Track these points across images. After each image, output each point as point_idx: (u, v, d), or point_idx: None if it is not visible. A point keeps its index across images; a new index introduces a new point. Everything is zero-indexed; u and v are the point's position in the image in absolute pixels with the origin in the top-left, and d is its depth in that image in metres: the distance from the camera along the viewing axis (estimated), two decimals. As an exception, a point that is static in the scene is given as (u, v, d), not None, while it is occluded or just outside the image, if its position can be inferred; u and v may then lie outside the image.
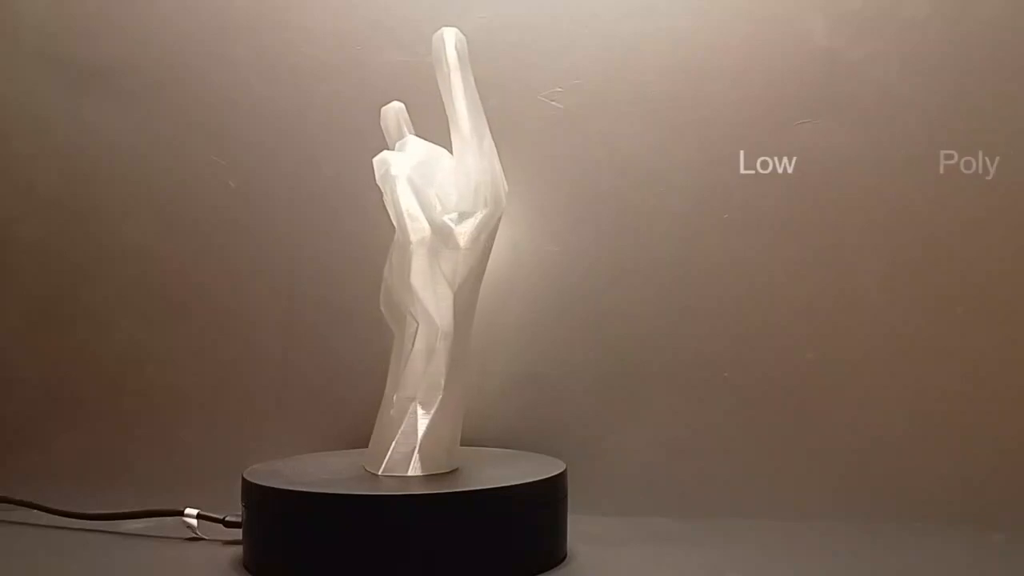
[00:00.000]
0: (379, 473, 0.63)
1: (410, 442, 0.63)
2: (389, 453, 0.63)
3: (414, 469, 0.63)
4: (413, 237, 0.63)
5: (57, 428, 0.81)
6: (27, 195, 0.83)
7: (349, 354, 0.78)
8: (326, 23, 0.78)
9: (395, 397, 0.64)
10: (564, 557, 0.63)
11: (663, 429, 0.75)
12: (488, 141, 0.64)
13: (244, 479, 0.62)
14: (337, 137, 0.78)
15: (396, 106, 0.69)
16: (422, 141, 0.66)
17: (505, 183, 0.64)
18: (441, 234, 0.62)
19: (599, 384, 0.76)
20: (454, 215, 0.63)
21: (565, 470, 0.64)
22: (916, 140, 0.73)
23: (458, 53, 0.64)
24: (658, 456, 0.75)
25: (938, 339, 0.73)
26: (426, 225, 0.62)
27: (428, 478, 0.62)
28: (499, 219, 0.64)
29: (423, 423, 0.63)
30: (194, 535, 0.69)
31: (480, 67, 0.75)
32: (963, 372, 0.72)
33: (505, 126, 0.73)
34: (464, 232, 0.63)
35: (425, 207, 0.62)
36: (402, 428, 0.63)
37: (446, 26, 0.64)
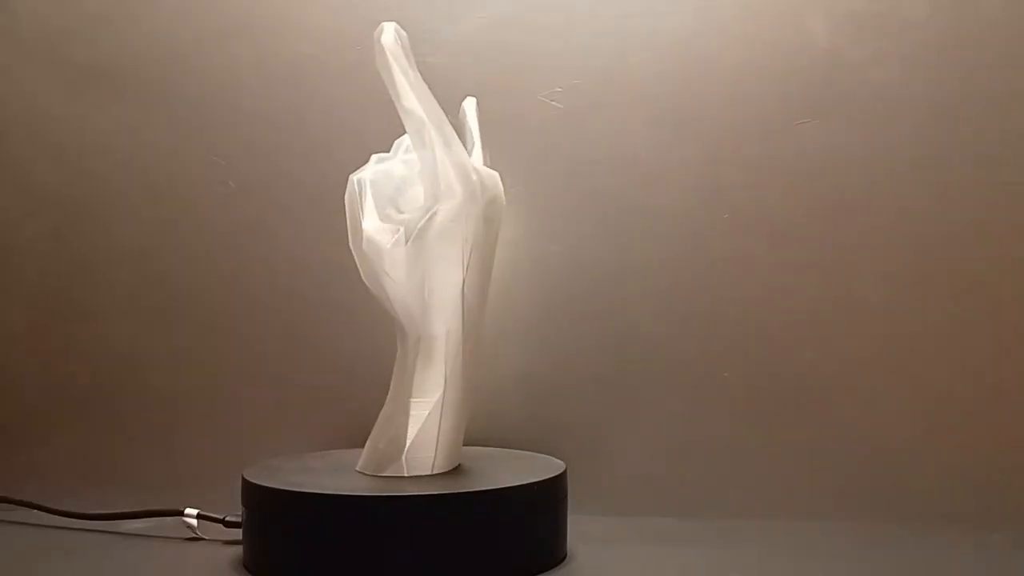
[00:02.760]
0: (374, 473, 0.63)
1: (403, 442, 0.63)
2: (382, 452, 0.63)
3: (411, 469, 0.63)
4: (352, 239, 0.63)
5: (57, 428, 0.81)
6: (27, 195, 0.83)
7: (349, 354, 0.78)
8: (326, 23, 0.78)
9: (390, 397, 0.65)
10: (564, 557, 0.63)
11: (663, 429, 0.75)
12: (432, 134, 0.61)
13: (244, 479, 0.62)
14: (337, 137, 0.78)
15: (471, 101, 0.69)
16: None
17: (467, 175, 0.62)
18: (379, 233, 0.62)
19: (599, 384, 0.76)
20: (407, 215, 0.62)
21: (565, 470, 0.64)
22: (916, 140, 0.73)
23: (390, 51, 0.62)
24: (658, 456, 0.75)
25: (938, 339, 0.73)
26: (359, 224, 0.62)
27: (428, 478, 0.62)
28: (453, 214, 0.61)
29: (414, 424, 0.63)
30: (194, 535, 0.69)
31: (480, 67, 0.76)
32: (963, 372, 0.72)
33: (505, 126, 0.73)
34: (401, 229, 0.62)
35: (379, 206, 0.63)
36: (391, 428, 0.64)
37: (386, 21, 0.63)
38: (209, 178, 0.80)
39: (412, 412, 0.63)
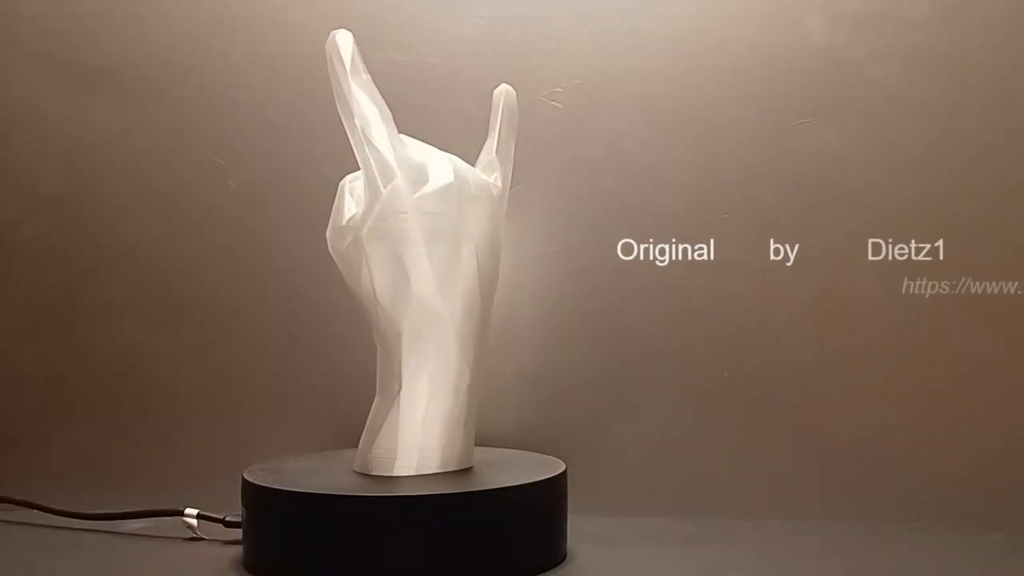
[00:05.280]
0: (360, 471, 0.63)
1: (371, 440, 0.63)
2: (360, 451, 0.64)
3: (378, 468, 0.63)
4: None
5: (57, 428, 0.81)
6: (27, 195, 0.83)
7: (349, 354, 0.77)
8: (326, 23, 0.78)
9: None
10: (564, 557, 0.63)
11: (663, 429, 0.75)
12: (365, 133, 0.62)
13: (244, 479, 0.62)
14: (337, 137, 0.77)
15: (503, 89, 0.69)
16: (415, 142, 0.66)
17: (390, 174, 0.61)
18: (339, 234, 0.63)
19: (599, 384, 0.76)
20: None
21: (565, 470, 0.64)
22: (916, 140, 0.73)
23: (333, 56, 0.62)
24: (658, 456, 0.75)
25: (938, 339, 0.73)
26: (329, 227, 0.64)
27: (428, 478, 0.62)
28: (377, 214, 0.61)
29: (377, 423, 0.63)
30: (194, 535, 0.69)
31: (480, 67, 0.76)
32: (963, 372, 0.72)
33: (505, 126, 0.73)
34: (351, 230, 0.62)
35: (349, 208, 0.63)
36: (369, 426, 0.64)
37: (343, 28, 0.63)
38: (209, 178, 0.80)
39: (375, 410, 0.64)
